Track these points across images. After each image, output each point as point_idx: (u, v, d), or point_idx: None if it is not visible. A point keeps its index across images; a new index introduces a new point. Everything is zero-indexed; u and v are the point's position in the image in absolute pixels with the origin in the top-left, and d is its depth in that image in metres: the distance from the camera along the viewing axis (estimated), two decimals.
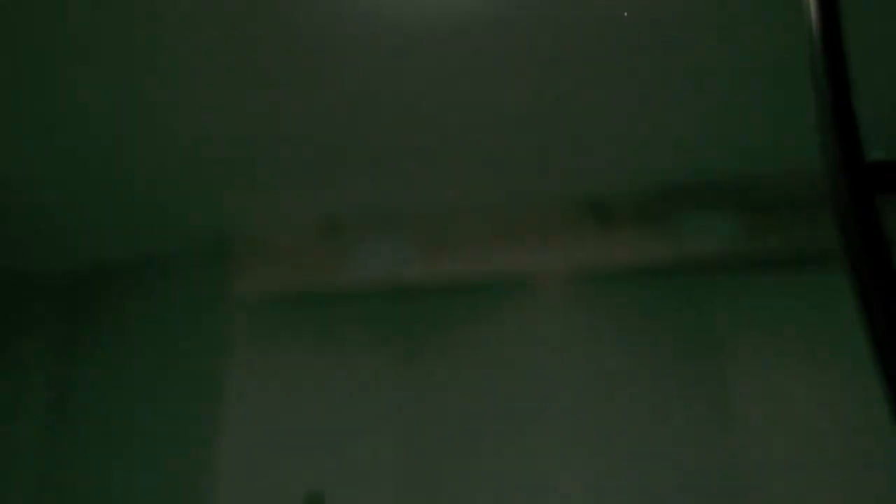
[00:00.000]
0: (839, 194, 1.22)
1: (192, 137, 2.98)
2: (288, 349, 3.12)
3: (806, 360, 2.98)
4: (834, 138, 1.23)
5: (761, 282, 3.11)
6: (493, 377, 3.03)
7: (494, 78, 2.82)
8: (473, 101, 2.91)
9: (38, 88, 2.76)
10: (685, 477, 2.86)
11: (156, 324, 3.23)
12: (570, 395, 2.99)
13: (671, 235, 3.18)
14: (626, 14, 2.20)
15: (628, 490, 2.85)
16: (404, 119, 2.95)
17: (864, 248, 1.19)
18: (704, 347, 3.04)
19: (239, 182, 3.14)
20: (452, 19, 2.42)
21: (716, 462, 2.87)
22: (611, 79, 2.81)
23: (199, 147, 3.01)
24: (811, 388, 2.94)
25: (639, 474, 2.87)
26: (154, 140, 2.99)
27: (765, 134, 3.00)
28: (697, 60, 2.65)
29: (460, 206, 3.24)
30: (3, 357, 3.25)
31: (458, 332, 3.11)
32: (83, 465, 3.04)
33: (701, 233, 3.17)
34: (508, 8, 2.33)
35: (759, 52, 2.60)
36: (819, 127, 1.21)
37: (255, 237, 3.24)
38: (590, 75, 2.80)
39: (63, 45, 2.47)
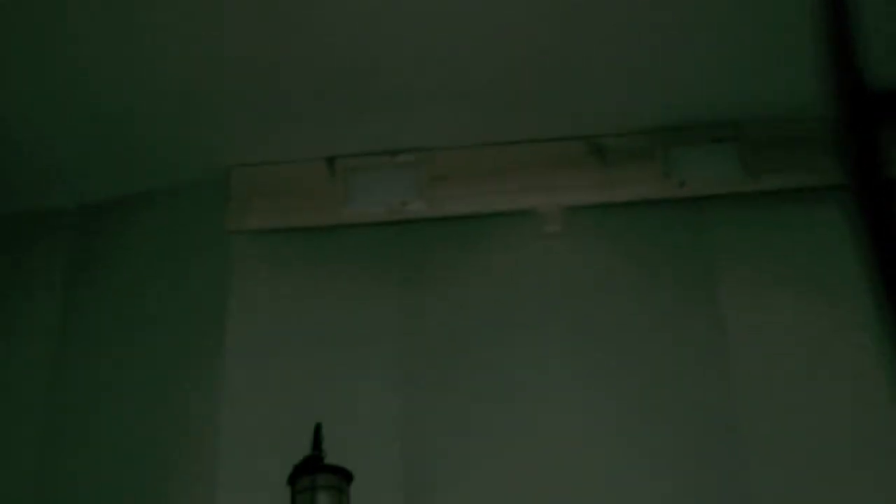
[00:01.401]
0: (840, 123, 1.20)
1: (191, 69, 2.97)
2: (289, 282, 3.13)
3: (802, 294, 3.00)
4: (835, 65, 1.21)
5: (757, 218, 3.12)
6: (493, 307, 3.04)
7: (493, 17, 2.81)
8: (472, 39, 2.90)
9: (26, 20, 2.74)
10: (679, 406, 2.88)
11: (157, 259, 3.25)
12: (566, 325, 3.00)
13: (668, 173, 3.17)
14: None
15: (621, 417, 2.88)
16: (404, 55, 2.94)
17: (865, 178, 1.18)
18: (700, 281, 3.05)
19: (239, 116, 3.13)
20: None
21: (711, 392, 2.89)
22: (607, 17, 2.80)
23: (198, 80, 3.00)
24: (807, 320, 2.96)
25: (633, 403, 2.90)
26: (152, 72, 2.98)
27: (762, 72, 3.00)
28: None
29: (459, 143, 3.24)
30: (7, 299, 3.25)
31: (458, 266, 3.13)
32: (87, 403, 3.07)
33: (697, 171, 3.15)
34: None
35: None
36: (820, 54, 1.19)
37: (256, 172, 3.25)
38: (586, 13, 2.79)
39: None
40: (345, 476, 2.72)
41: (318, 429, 2.80)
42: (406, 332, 3.03)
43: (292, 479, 2.72)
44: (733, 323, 2.96)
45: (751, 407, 2.84)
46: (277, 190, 3.24)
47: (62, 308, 3.23)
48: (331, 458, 2.75)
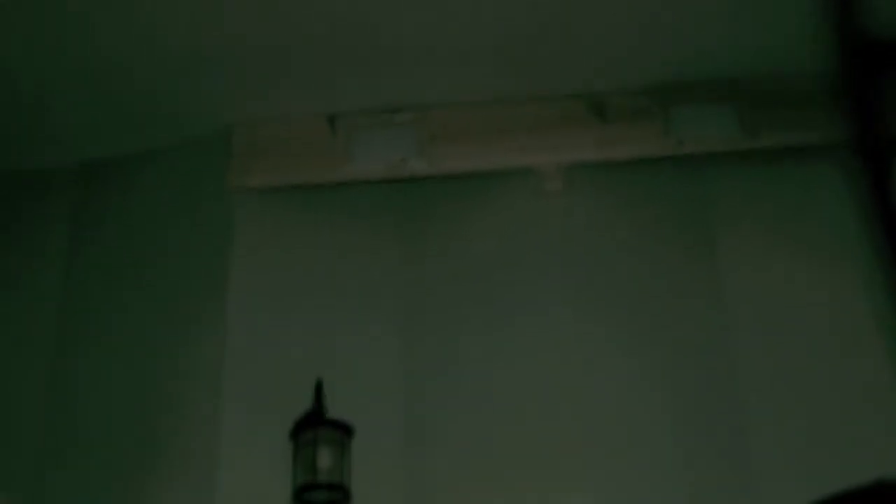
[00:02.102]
0: (841, 77, 1.21)
1: (193, 28, 2.96)
2: (290, 239, 3.15)
3: (800, 250, 3.02)
4: (835, 16, 1.21)
5: (756, 176, 3.13)
6: (492, 264, 3.06)
7: None
8: None
9: None
10: (677, 356, 2.90)
11: (159, 216, 3.26)
12: (565, 280, 3.02)
13: (667, 132, 3.17)
14: None
15: (619, 365, 2.91)
16: (405, 13, 2.93)
17: (866, 133, 1.19)
18: (699, 238, 3.06)
19: (240, 75, 3.13)
20: None
21: (709, 343, 2.91)
22: None
23: (200, 39, 2.99)
24: (804, 276, 2.98)
25: (631, 352, 2.92)
26: (154, 31, 2.97)
27: (761, 29, 2.99)
28: None
29: (460, 101, 3.24)
30: (10, 256, 3.27)
31: (458, 223, 3.14)
32: (91, 360, 3.10)
33: (696, 129, 3.16)
34: None
35: None
36: (821, 5, 1.19)
37: (257, 130, 3.25)
38: None
39: None
40: (346, 430, 2.76)
41: (319, 384, 2.83)
42: (406, 287, 3.05)
43: (294, 434, 2.76)
44: (731, 279, 2.98)
45: (748, 356, 2.87)
46: (279, 147, 3.24)
47: (65, 265, 3.24)
48: (332, 413, 2.79)
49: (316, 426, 2.75)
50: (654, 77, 3.19)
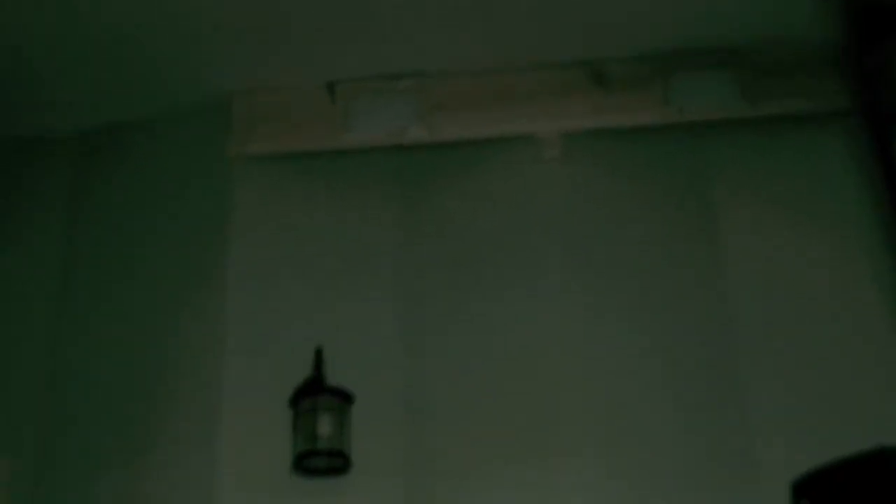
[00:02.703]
0: (849, 41, 1.20)
1: None
2: (289, 207, 3.14)
3: (800, 219, 3.00)
4: None
5: (756, 145, 3.11)
6: (492, 231, 3.06)
7: None
8: None
9: None
10: (677, 324, 2.90)
11: (158, 184, 3.25)
12: (564, 247, 3.02)
13: (667, 100, 3.16)
14: None
15: (618, 332, 2.91)
16: None
17: (874, 98, 1.17)
18: (699, 207, 3.05)
19: (240, 41, 3.10)
20: None
21: (708, 319, 2.90)
22: None
23: (199, 6, 2.97)
24: (805, 245, 2.96)
25: (629, 319, 2.92)
26: None
27: None
28: None
29: (460, 69, 3.22)
30: (9, 224, 3.28)
31: (457, 190, 3.13)
32: (91, 326, 3.11)
33: (697, 97, 3.15)
34: None
35: None
36: None
37: (257, 97, 3.24)
38: None
39: None
40: (346, 398, 2.76)
41: (319, 351, 2.83)
42: (406, 255, 3.04)
43: (294, 401, 2.77)
44: (731, 248, 2.97)
45: (748, 324, 2.86)
46: (278, 115, 3.23)
47: (65, 233, 3.24)
48: (332, 380, 2.80)
49: (316, 394, 2.75)
50: (654, 44, 3.17)
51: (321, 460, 2.72)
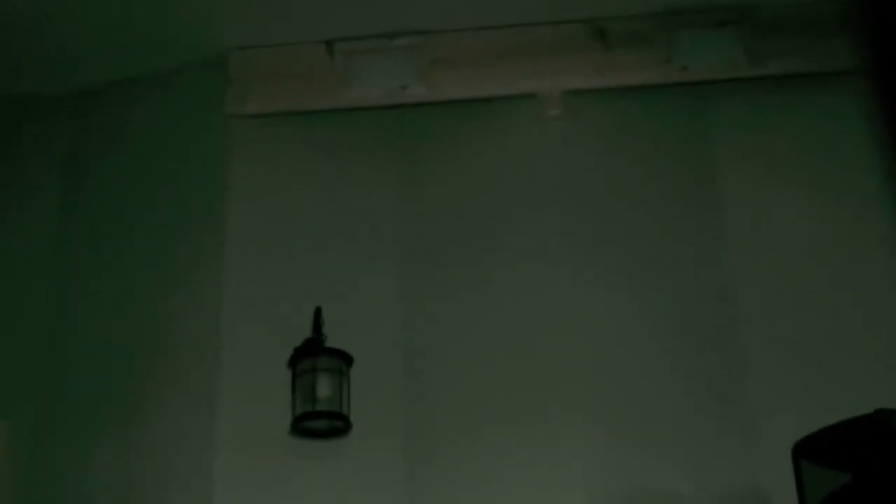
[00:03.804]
0: None
1: None
2: (288, 166, 3.11)
3: (804, 181, 2.98)
4: None
5: (761, 105, 3.08)
6: (492, 190, 3.03)
7: None
8: None
9: None
10: (677, 297, 2.88)
11: (156, 143, 3.22)
12: (565, 207, 3.00)
13: (670, 58, 3.12)
14: None
15: (618, 293, 2.89)
16: None
17: (885, 57, 1.14)
18: (701, 168, 3.03)
19: None
20: None
21: (708, 284, 2.89)
22: None
23: None
24: (807, 207, 2.94)
25: (630, 287, 2.90)
26: None
27: None
28: None
29: (460, 26, 3.18)
30: (9, 182, 3.25)
31: (457, 150, 3.10)
32: (90, 286, 3.09)
33: (700, 55, 3.12)
34: None
35: None
36: None
37: (254, 55, 3.20)
38: None
39: None
40: (345, 359, 2.76)
41: (318, 312, 2.82)
42: (405, 215, 3.03)
43: (293, 362, 2.76)
44: (733, 209, 2.95)
45: (749, 287, 2.86)
46: (276, 73, 3.19)
47: (63, 193, 3.22)
48: (331, 341, 2.79)
49: (315, 355, 2.75)
50: (657, 2, 3.12)
51: (321, 421, 2.71)
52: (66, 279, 3.10)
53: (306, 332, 2.79)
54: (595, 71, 3.13)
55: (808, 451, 2.31)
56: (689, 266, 2.92)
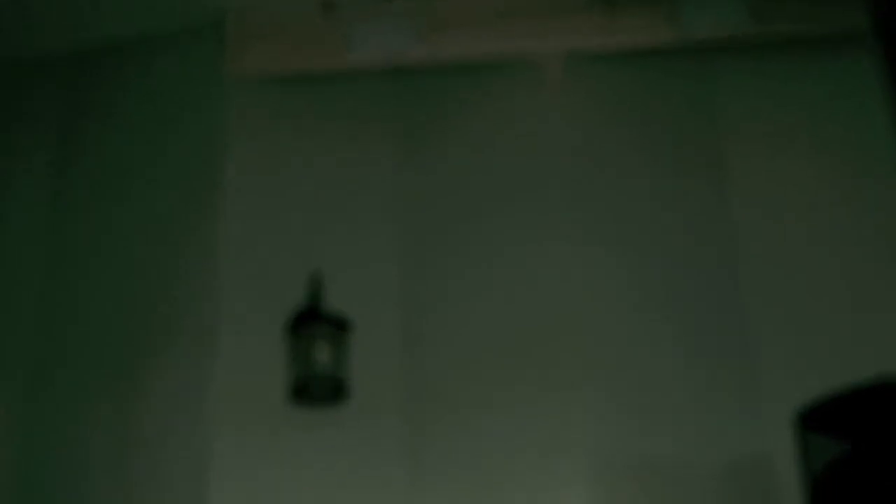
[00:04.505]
0: None
1: None
2: (287, 129, 3.07)
3: (810, 145, 2.95)
4: None
5: (767, 68, 3.04)
6: (493, 154, 3.01)
7: None
8: None
9: None
10: (681, 262, 2.86)
11: (153, 105, 3.18)
12: (566, 171, 2.97)
13: (674, 20, 3.07)
14: None
15: (622, 269, 2.87)
16: None
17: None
18: (705, 133, 2.99)
19: None
20: None
21: (713, 248, 2.87)
22: None
23: None
24: (814, 171, 2.91)
25: (633, 253, 2.88)
26: None
27: None
28: None
29: None
30: (5, 143, 3.23)
31: (457, 113, 3.07)
32: (86, 249, 3.06)
33: (705, 17, 3.06)
34: None
35: None
36: None
37: (254, 16, 3.15)
38: None
39: None
40: (344, 325, 2.74)
41: (316, 276, 2.80)
42: (405, 180, 2.99)
43: (292, 327, 2.74)
44: (738, 175, 2.92)
45: (754, 252, 2.83)
46: (275, 36, 3.14)
47: (59, 154, 3.19)
48: (330, 307, 2.76)
49: (313, 320, 2.73)
50: None
51: (318, 388, 2.70)
52: (60, 246, 3.07)
53: (304, 298, 2.77)
54: (597, 33, 3.08)
55: (810, 420, 2.30)
56: (693, 232, 2.89)
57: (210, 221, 2.95)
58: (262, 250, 2.92)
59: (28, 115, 3.28)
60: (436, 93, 3.09)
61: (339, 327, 2.73)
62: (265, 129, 3.07)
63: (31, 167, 3.20)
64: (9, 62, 3.32)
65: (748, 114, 2.99)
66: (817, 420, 2.29)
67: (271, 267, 2.90)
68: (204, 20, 3.17)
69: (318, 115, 3.09)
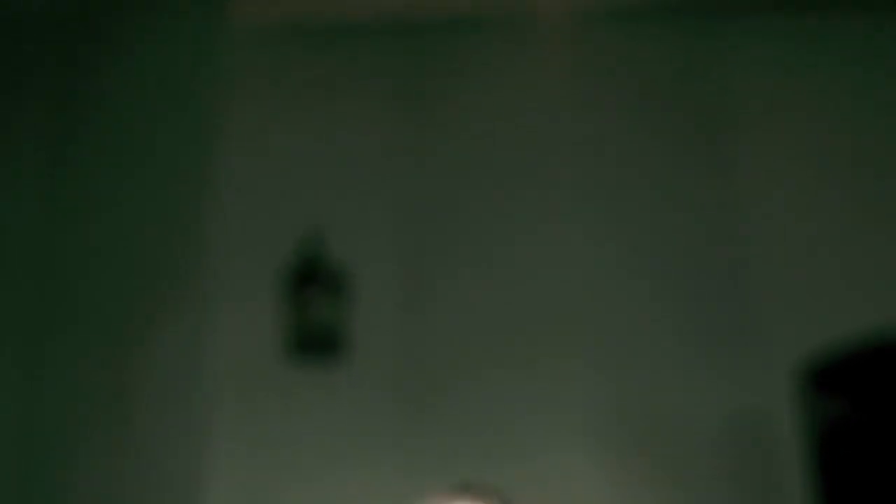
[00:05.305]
0: None
1: None
2: (289, 79, 3.04)
3: (817, 99, 2.91)
4: None
5: (774, 25, 2.98)
6: (493, 108, 2.97)
7: None
8: None
9: None
10: (683, 219, 2.84)
11: (156, 55, 3.12)
12: (569, 135, 2.94)
13: None
14: None
15: (625, 225, 2.85)
16: None
17: None
18: (712, 96, 2.96)
19: None
20: None
21: (714, 199, 2.85)
22: None
23: None
24: (822, 126, 2.88)
25: (637, 208, 2.86)
26: None
27: None
28: None
29: None
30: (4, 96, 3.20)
31: (461, 67, 3.03)
32: (84, 200, 3.02)
33: None
34: None
35: None
36: None
37: None
38: None
39: None
40: (342, 279, 2.72)
41: (315, 233, 2.78)
42: (407, 135, 2.95)
43: (289, 281, 2.73)
44: (746, 133, 2.88)
45: (754, 205, 2.81)
46: None
47: (56, 109, 3.16)
48: (328, 261, 2.74)
49: (311, 274, 2.72)
50: None
51: (316, 341, 2.69)
52: (60, 196, 3.05)
53: (304, 250, 2.77)
54: None
55: (814, 377, 2.30)
56: (695, 185, 2.87)
57: (210, 168, 2.90)
58: (262, 200, 2.89)
59: (23, 70, 3.23)
60: (439, 49, 3.05)
61: (338, 282, 2.72)
62: (265, 81, 3.03)
63: (27, 123, 3.14)
64: (9, 17, 3.30)
65: (760, 73, 2.95)
66: (821, 378, 2.29)
67: (271, 217, 2.87)
68: None
69: (319, 63, 3.04)
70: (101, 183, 3.03)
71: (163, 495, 2.67)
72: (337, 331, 2.69)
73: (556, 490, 2.56)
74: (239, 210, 2.88)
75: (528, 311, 2.75)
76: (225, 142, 2.94)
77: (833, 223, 2.77)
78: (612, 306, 2.74)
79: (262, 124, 2.99)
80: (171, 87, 3.08)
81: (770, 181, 2.85)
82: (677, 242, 2.80)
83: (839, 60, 2.94)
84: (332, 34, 3.07)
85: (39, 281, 2.98)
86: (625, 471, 2.59)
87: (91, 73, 3.18)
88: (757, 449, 2.57)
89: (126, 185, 3.00)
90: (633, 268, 2.78)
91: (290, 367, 2.69)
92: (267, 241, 2.85)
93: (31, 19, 3.27)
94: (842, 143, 2.86)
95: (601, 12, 3.02)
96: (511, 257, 2.81)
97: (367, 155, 2.95)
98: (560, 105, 2.96)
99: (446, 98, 3.00)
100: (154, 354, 2.79)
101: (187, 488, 2.63)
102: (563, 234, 2.83)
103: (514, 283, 2.78)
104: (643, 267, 2.78)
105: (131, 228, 2.95)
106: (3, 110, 3.19)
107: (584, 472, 2.58)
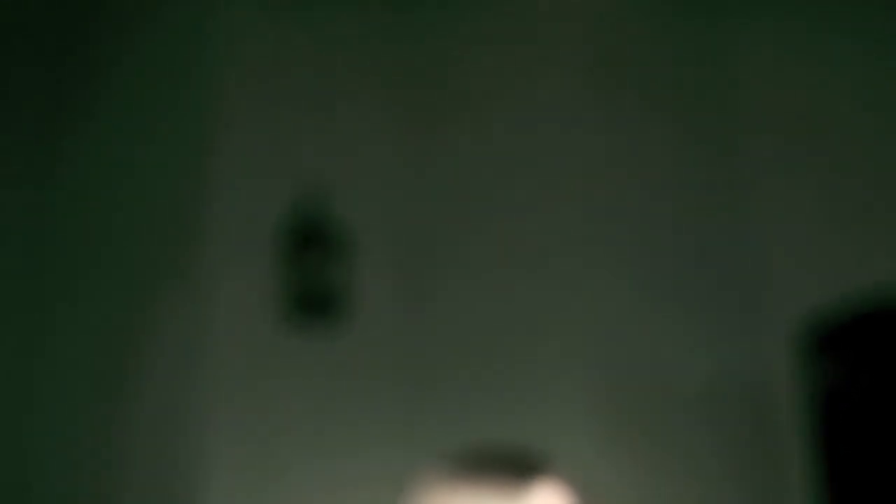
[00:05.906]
0: None
1: None
2: (286, 36, 2.96)
3: (821, 35, 2.90)
4: None
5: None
6: (497, 68, 2.93)
7: None
8: None
9: None
10: (685, 175, 2.83)
11: (154, 38, 3.09)
12: (571, 82, 2.90)
13: None
14: None
15: (628, 170, 2.83)
16: None
17: None
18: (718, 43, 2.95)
19: None
20: None
21: (716, 178, 2.83)
22: None
23: None
24: (826, 68, 2.87)
25: (637, 170, 2.84)
26: None
27: None
28: None
29: None
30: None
31: (463, 20, 2.99)
32: (80, 173, 3.07)
33: None
34: None
35: None
36: None
37: None
38: None
39: None
40: (344, 238, 2.70)
41: (316, 189, 2.75)
42: (408, 88, 2.91)
43: (294, 245, 2.70)
44: (751, 79, 2.89)
45: (761, 148, 2.82)
46: None
47: (53, 78, 3.13)
48: (330, 220, 2.71)
49: (312, 233, 2.70)
50: None
51: (316, 303, 2.67)
52: (53, 163, 3.04)
53: (304, 208, 2.73)
54: None
55: (815, 340, 2.30)
56: (696, 155, 2.85)
57: (205, 124, 2.86)
58: (259, 156, 2.83)
59: (20, 47, 3.20)
60: (438, 30, 2.99)
61: (339, 240, 2.70)
62: (264, 32, 2.93)
63: (24, 92, 3.13)
64: None
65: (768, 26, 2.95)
66: (821, 341, 2.28)
67: (269, 173, 2.82)
68: None
69: (318, 18, 2.95)
70: (97, 135, 3.04)
71: (161, 465, 2.68)
72: (338, 288, 2.67)
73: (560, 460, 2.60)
74: (235, 160, 2.82)
75: (531, 249, 2.74)
76: (223, 88, 2.88)
77: (832, 183, 2.77)
78: (612, 255, 2.73)
79: (262, 73, 2.91)
80: (169, 39, 3.06)
81: (769, 139, 2.85)
82: (682, 196, 2.80)
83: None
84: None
85: (34, 242, 2.99)
86: (623, 438, 2.58)
87: (85, 31, 3.18)
88: (755, 415, 2.58)
89: (122, 134, 2.99)
90: (636, 219, 2.77)
91: (288, 332, 2.66)
92: (266, 194, 2.79)
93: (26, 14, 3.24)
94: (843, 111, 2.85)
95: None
96: (520, 192, 2.79)
97: (368, 109, 2.89)
98: (566, 45, 2.93)
99: (451, 43, 2.96)
100: (153, 323, 2.80)
101: (187, 457, 2.62)
102: (573, 153, 2.81)
103: (520, 223, 2.77)
104: (647, 220, 2.78)
105: (129, 179, 2.94)
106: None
107: (582, 432, 2.59)
